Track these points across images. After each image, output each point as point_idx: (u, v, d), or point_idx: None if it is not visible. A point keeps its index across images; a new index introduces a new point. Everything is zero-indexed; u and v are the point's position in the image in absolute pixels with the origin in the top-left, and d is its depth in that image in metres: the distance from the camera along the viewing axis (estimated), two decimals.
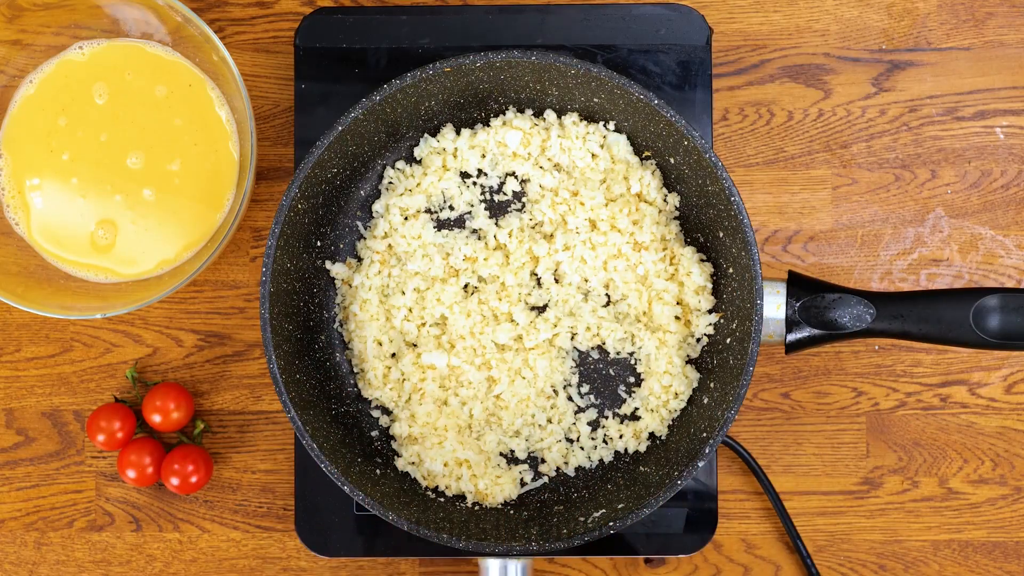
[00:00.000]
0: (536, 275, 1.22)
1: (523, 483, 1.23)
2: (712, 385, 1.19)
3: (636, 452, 1.22)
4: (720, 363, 1.18)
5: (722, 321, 1.19)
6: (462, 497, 1.21)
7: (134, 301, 1.18)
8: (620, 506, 1.16)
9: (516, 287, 1.22)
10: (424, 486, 1.21)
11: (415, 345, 1.22)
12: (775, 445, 1.27)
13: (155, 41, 1.23)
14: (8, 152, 1.22)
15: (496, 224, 1.23)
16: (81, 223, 1.22)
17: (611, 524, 1.14)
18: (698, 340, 1.22)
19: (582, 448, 1.23)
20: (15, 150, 1.22)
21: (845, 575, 1.27)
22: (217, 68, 1.21)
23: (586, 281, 1.22)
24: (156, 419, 1.24)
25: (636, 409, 1.23)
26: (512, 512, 1.21)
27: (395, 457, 1.22)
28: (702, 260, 1.21)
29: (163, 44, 1.23)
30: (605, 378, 1.23)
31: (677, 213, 1.22)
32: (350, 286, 1.23)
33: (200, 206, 1.22)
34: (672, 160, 1.19)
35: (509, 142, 1.22)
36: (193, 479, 1.24)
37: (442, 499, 1.21)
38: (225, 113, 1.22)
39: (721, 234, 1.17)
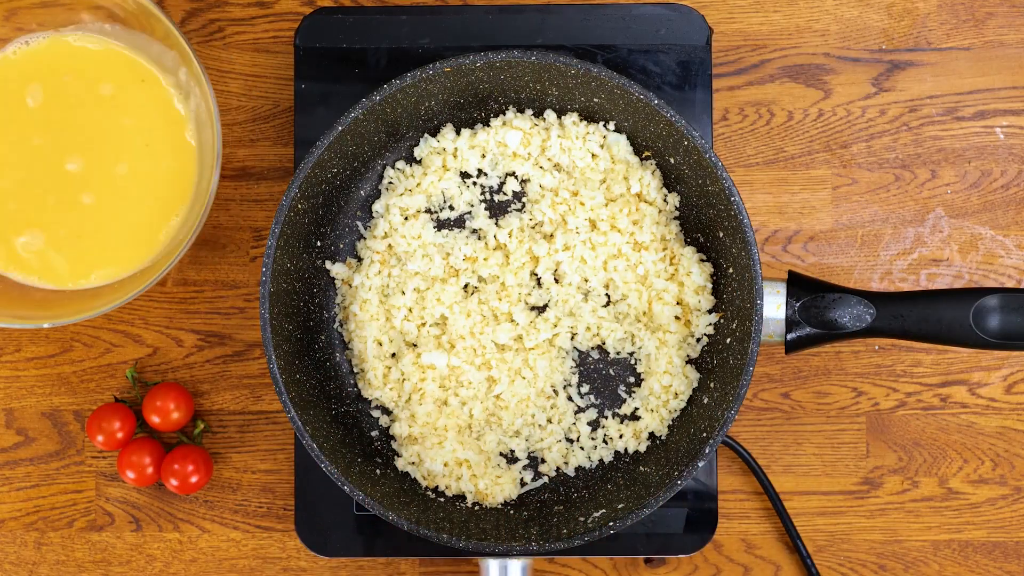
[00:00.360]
0: (536, 275, 1.22)
1: (523, 483, 1.23)
2: (712, 385, 1.19)
3: (636, 452, 1.22)
4: (720, 363, 1.18)
5: (722, 321, 1.19)
6: (462, 497, 1.21)
7: (89, 309, 1.15)
8: (620, 506, 1.16)
9: (516, 287, 1.22)
10: (424, 486, 1.21)
11: (415, 345, 1.22)
12: (775, 445, 1.27)
13: (107, 36, 1.18)
14: None
15: (496, 224, 1.23)
16: (11, 230, 1.18)
17: (611, 524, 1.14)
18: (698, 340, 1.21)
19: (582, 448, 1.23)
20: None
21: (845, 575, 1.27)
22: (179, 61, 1.17)
23: (586, 281, 1.22)
24: (156, 419, 1.24)
25: (636, 409, 1.23)
26: (512, 512, 1.21)
27: (395, 457, 1.22)
28: (702, 260, 1.21)
29: (113, 38, 1.18)
30: (605, 378, 1.23)
31: (677, 213, 1.22)
32: (350, 286, 1.23)
33: (157, 209, 1.19)
34: (672, 160, 1.19)
35: (509, 142, 1.22)
36: (193, 479, 1.24)
37: (442, 499, 1.21)
38: (184, 109, 1.18)
39: (721, 234, 1.17)
